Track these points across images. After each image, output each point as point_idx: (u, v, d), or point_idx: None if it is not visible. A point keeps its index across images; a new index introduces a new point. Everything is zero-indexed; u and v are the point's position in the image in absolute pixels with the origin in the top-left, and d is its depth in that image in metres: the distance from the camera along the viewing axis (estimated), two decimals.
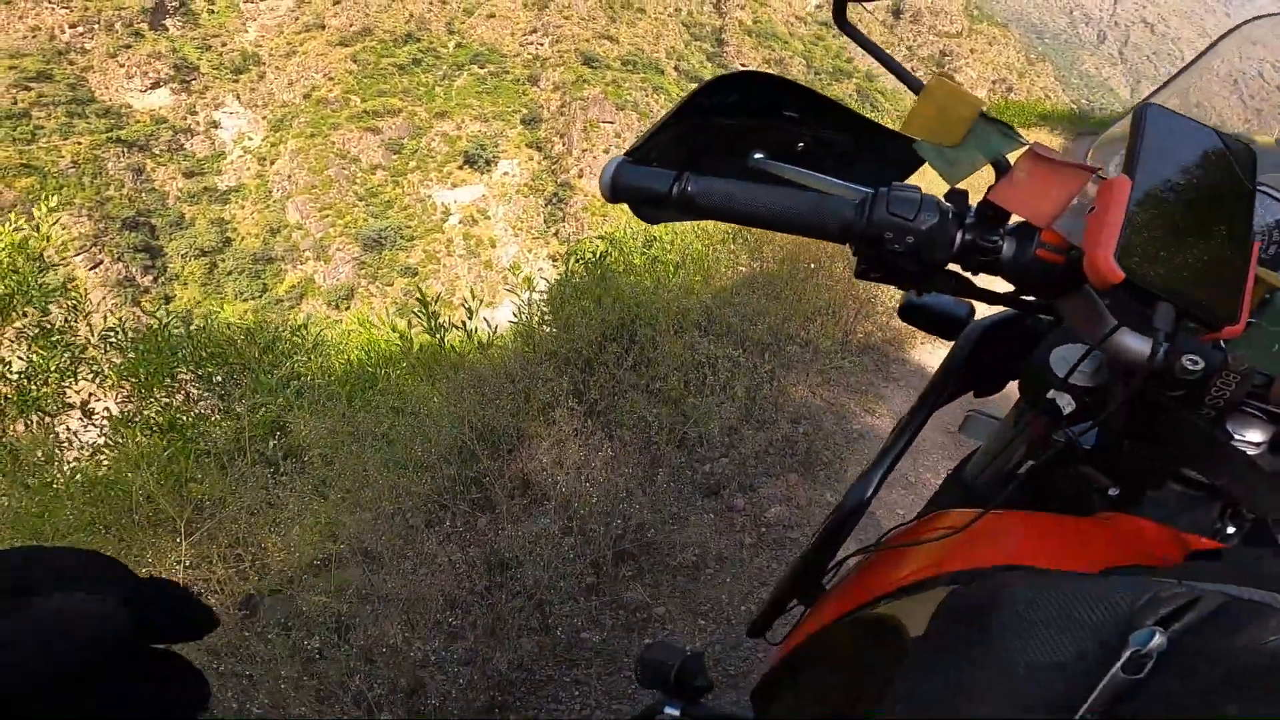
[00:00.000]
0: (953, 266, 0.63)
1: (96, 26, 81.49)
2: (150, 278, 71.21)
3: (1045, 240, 0.58)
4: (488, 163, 74.75)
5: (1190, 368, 0.48)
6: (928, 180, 0.68)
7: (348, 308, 70.23)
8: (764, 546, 2.87)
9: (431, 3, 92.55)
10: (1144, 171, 0.55)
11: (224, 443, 3.20)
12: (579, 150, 74.79)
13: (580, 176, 73.97)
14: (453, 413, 3.12)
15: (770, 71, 0.75)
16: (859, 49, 0.78)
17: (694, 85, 0.72)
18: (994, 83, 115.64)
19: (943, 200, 0.62)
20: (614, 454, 3.05)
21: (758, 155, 0.78)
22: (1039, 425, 0.64)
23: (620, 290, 4.10)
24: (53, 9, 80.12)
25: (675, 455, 3.22)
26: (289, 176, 74.44)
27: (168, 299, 69.00)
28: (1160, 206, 0.54)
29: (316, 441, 3.08)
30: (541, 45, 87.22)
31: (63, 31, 80.00)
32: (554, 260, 73.22)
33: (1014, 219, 0.60)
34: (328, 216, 72.15)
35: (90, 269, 74.22)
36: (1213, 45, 0.90)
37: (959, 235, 0.61)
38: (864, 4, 0.77)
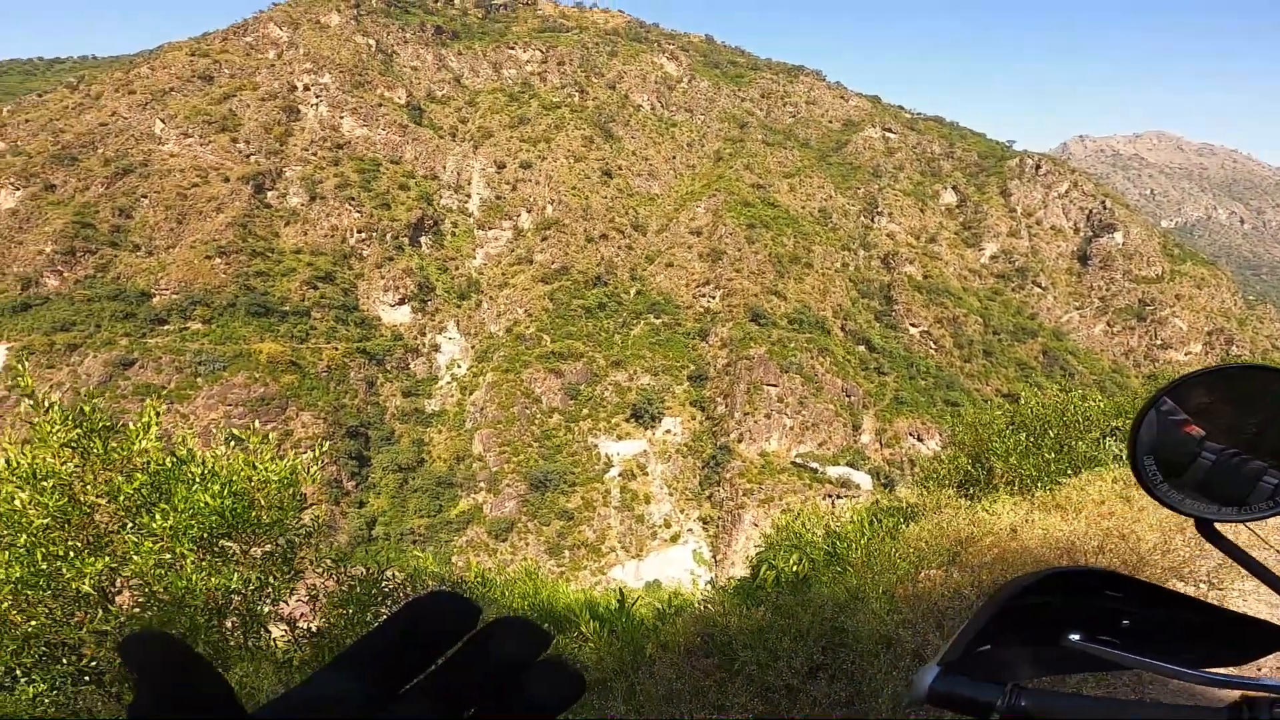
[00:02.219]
0: None
1: (374, 235, 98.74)
2: (354, 483, 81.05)
3: None
4: (653, 418, 79.94)
5: None
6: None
7: (506, 540, 75.97)
8: None
9: (620, 248, 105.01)
10: None
11: None
12: (741, 414, 77.93)
13: (740, 441, 76.53)
14: None
15: (1092, 566, 0.90)
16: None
17: (1002, 583, 0.81)
18: (1210, 334, 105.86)
19: None
20: None
21: (1074, 636, 0.76)
22: None
23: (819, 606, 4.08)
24: (350, 211, 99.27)
25: None
26: (482, 409, 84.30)
27: (361, 504, 78.56)
28: None
29: None
30: (713, 298, 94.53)
31: (351, 235, 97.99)
32: (704, 523, 74.99)
33: None
34: (505, 452, 80.00)
35: (311, 468, 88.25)
36: None
37: None
38: (1245, 523, 0.76)
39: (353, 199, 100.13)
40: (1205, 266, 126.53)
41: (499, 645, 0.48)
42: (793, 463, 74.64)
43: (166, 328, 79.80)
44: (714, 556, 68.07)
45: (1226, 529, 0.82)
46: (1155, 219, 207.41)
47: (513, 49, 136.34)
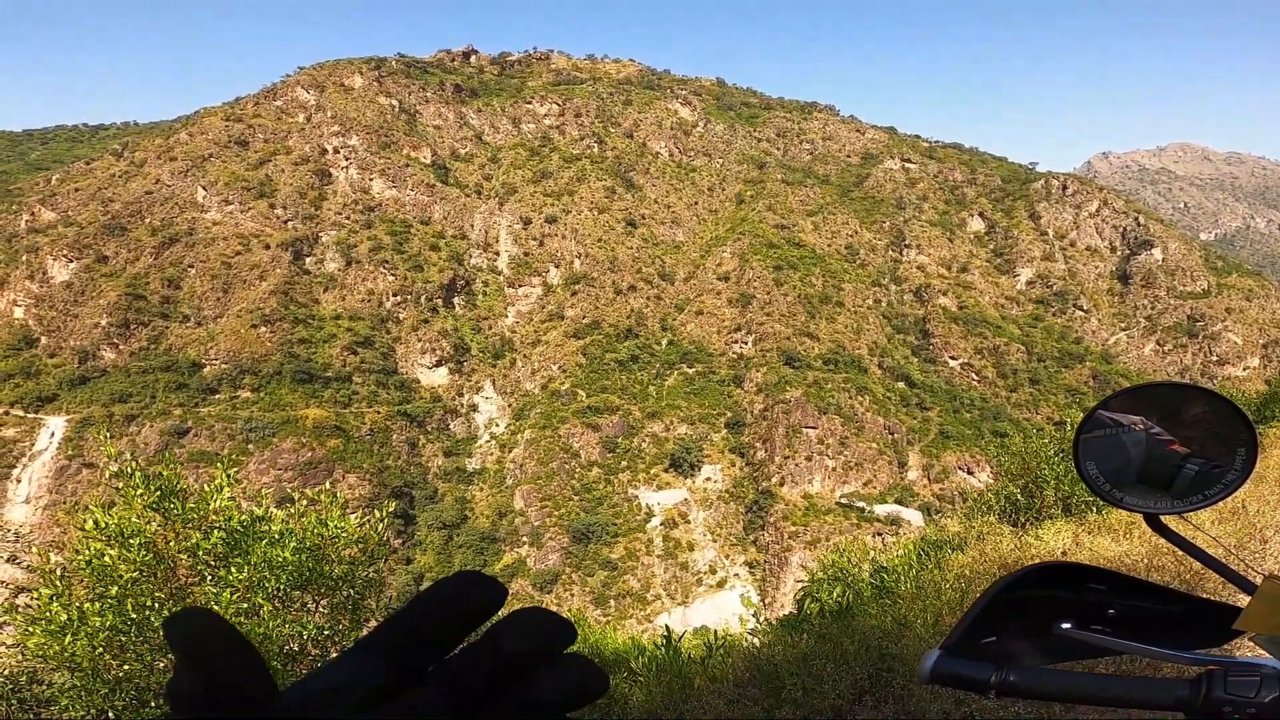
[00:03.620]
0: None
1: (409, 298, 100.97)
2: (400, 540, 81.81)
3: None
4: (692, 467, 79.35)
5: None
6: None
7: (551, 591, 75.43)
8: None
9: (649, 299, 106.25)
10: None
11: None
12: (780, 457, 76.89)
13: (782, 485, 75.32)
14: None
15: (1076, 561, 0.91)
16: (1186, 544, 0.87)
17: (1001, 574, 0.94)
18: (1266, 347, 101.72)
19: None
20: None
21: (1065, 625, 0.85)
22: None
23: (865, 635, 4.01)
24: (384, 275, 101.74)
25: None
26: (521, 465, 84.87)
27: (409, 561, 79.12)
28: None
29: None
30: (745, 344, 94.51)
31: (387, 299, 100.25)
32: (751, 567, 73.33)
33: None
34: (546, 507, 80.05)
35: (372, 529, 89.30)
36: None
37: None
38: (1180, 514, 0.87)
39: (386, 262, 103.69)
40: (1252, 277, 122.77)
41: (514, 640, 0.49)
42: (838, 503, 72.96)
43: (217, 396, 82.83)
44: (762, 600, 66.26)
45: (1173, 523, 0.92)
46: (1193, 232, 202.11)
47: (530, 104, 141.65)
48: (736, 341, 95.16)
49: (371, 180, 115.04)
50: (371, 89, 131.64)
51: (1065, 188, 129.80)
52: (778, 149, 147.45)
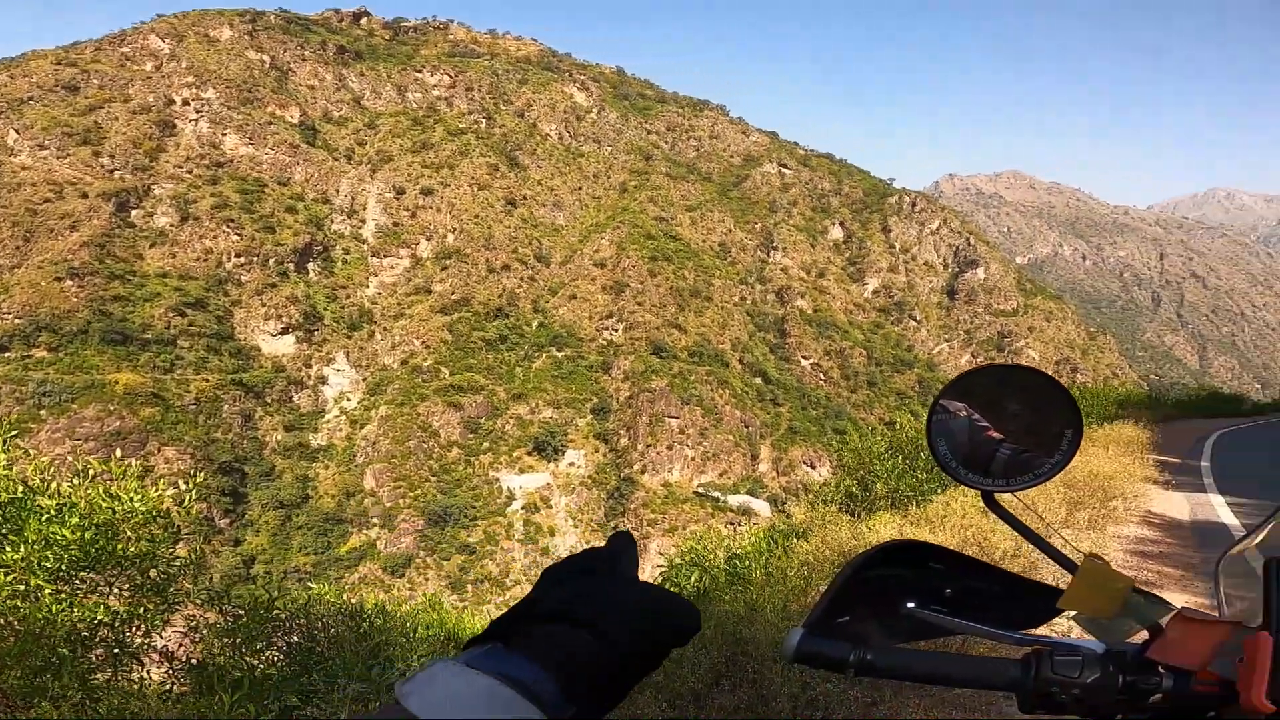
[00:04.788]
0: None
1: (255, 260, 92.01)
2: (227, 521, 74.67)
3: (1200, 677, 0.72)
4: (556, 451, 79.20)
5: None
6: None
7: (403, 575, 72.45)
8: None
9: (522, 279, 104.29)
10: None
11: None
12: (643, 445, 78.69)
13: (643, 472, 77.09)
14: None
15: (919, 539, 1.09)
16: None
17: (856, 554, 1.02)
18: (1059, 363, 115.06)
19: (1105, 655, 0.75)
20: None
21: (910, 604, 0.91)
22: None
23: (721, 620, 4.22)
24: (227, 234, 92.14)
25: None
26: (374, 443, 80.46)
27: (237, 542, 72.56)
28: None
29: None
30: (616, 331, 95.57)
31: (228, 260, 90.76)
32: None
33: None
34: (400, 488, 76.61)
35: (175, 504, 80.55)
36: None
37: (1120, 680, 0.73)
38: (1014, 492, 0.95)
39: (232, 220, 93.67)
40: (1053, 300, 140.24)
41: (673, 636, 0.55)
42: (695, 492, 75.96)
43: (7, 354, 71.25)
44: None
45: (1006, 502, 0.99)
46: (1011, 255, 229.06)
47: (419, 72, 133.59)
48: (607, 328, 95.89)
49: (225, 135, 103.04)
50: (241, 42, 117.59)
51: (914, 205, 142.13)
52: (666, 143, 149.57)
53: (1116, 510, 8.80)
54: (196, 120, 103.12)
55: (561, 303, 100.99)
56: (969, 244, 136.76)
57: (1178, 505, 9.77)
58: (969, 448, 0.98)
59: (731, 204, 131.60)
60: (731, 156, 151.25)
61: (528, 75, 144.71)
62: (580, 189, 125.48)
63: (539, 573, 0.61)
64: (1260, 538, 0.98)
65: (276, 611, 4.20)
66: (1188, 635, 0.74)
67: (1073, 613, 0.83)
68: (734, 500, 74.45)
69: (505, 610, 0.58)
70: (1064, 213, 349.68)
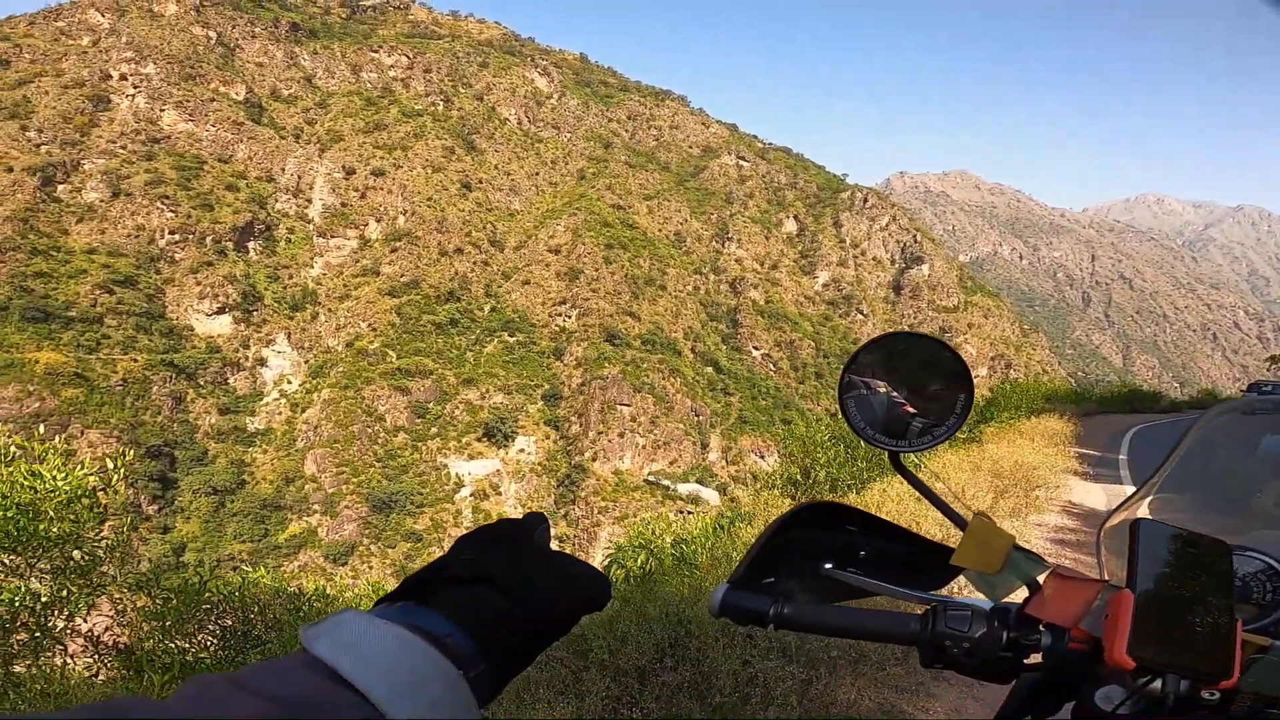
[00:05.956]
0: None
1: (191, 238, 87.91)
2: (155, 507, 71.44)
3: (1074, 635, 0.79)
4: (506, 437, 78.46)
5: (1207, 698, 0.71)
6: None
7: (345, 563, 70.77)
8: None
9: (475, 263, 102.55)
10: (1142, 579, 0.78)
11: None
12: (595, 433, 78.65)
13: (594, 460, 77.10)
14: None
15: (835, 501, 1.17)
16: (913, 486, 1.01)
17: (779, 513, 1.20)
18: (994, 359, 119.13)
19: (991, 611, 0.84)
20: None
21: (827, 565, 0.99)
22: None
23: (666, 600, 4.43)
24: (161, 211, 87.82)
25: None
26: (316, 427, 78.13)
27: (166, 529, 69.58)
28: (1158, 604, 0.75)
29: None
30: (569, 318, 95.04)
31: (161, 237, 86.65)
32: (560, 541, 74.40)
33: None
34: (343, 473, 74.73)
35: (98, 489, 76.55)
36: (1179, 442, 1.25)
37: (1004, 636, 0.81)
38: (917, 452, 1.02)
39: (167, 197, 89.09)
40: (991, 298, 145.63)
41: (572, 603, 0.59)
42: (645, 480, 76.48)
43: None
44: None
45: (910, 463, 1.28)
46: (955, 252, 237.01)
47: (376, 52, 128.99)
48: (561, 315, 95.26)
49: (163, 111, 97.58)
50: (187, 18, 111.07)
51: (866, 200, 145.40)
52: (626, 131, 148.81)
53: (1039, 499, 9.29)
54: (134, 96, 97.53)
55: (515, 288, 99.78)
56: (916, 241, 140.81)
57: (1095, 495, 10.36)
58: (877, 411, 1.04)
59: (689, 194, 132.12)
60: (691, 147, 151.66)
61: (489, 59, 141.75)
62: (538, 174, 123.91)
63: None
64: (1135, 503, 1.05)
65: (209, 595, 4.08)
66: (1061, 593, 0.81)
67: (965, 570, 0.91)
68: (684, 489, 75.30)
69: (415, 571, 0.58)
70: (1005, 213, 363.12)
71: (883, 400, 1.04)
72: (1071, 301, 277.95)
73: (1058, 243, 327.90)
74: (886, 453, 1.04)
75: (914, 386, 1.04)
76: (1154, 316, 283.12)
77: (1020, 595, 0.87)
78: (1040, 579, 0.86)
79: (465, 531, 0.62)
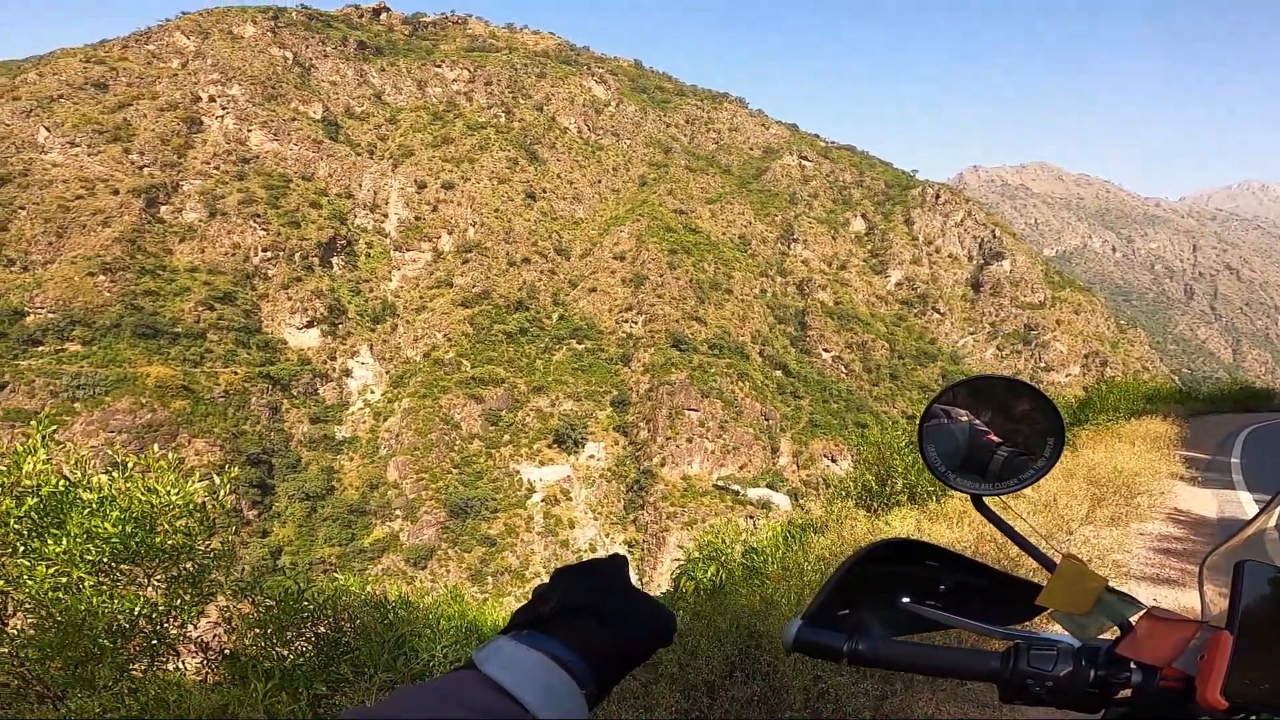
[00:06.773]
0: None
1: (281, 254, 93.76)
2: (255, 512, 76.14)
3: (1166, 674, 0.78)
4: (576, 443, 79.49)
5: None
6: None
7: (425, 567, 73.35)
8: None
9: (542, 272, 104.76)
10: (1243, 622, 0.75)
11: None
12: (663, 438, 78.65)
13: (663, 465, 77.09)
14: None
15: (915, 538, 1.07)
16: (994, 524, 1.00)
17: (855, 548, 1.15)
18: (1087, 357, 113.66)
19: (1078, 650, 0.82)
20: None
21: (905, 599, 0.97)
22: None
23: (736, 613, 4.37)
24: (254, 229, 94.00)
25: None
26: (397, 435, 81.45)
27: (265, 534, 74.02)
28: (1258, 647, 0.73)
29: None
30: (635, 323, 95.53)
31: (254, 254, 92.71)
32: (630, 546, 74.80)
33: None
34: (423, 480, 77.49)
35: (209, 497, 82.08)
36: None
37: (1092, 675, 0.79)
38: (1001, 496, 1.00)
39: (258, 216, 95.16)
40: (1082, 293, 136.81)
41: (645, 641, 0.72)
42: (715, 485, 75.88)
43: (41, 348, 73.20)
44: (640, 579, 67.99)
45: (995, 507, 1.03)
46: (1039, 247, 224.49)
47: (439, 67, 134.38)
48: (627, 321, 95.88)
49: (250, 132, 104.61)
50: (264, 39, 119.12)
51: (938, 197, 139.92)
52: (685, 135, 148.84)
53: (1140, 507, 8.68)
54: (223, 117, 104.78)
55: (581, 295, 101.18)
56: (994, 236, 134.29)
57: (1205, 502, 9.61)
58: (965, 452, 1.03)
59: (751, 196, 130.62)
60: (751, 149, 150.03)
61: (546, 69, 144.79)
62: (599, 182, 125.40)
63: (558, 565, 0.77)
64: (1243, 538, 1.03)
65: (305, 603, 4.29)
66: (1155, 633, 0.80)
67: (1051, 610, 0.89)
68: (754, 494, 74.28)
69: (527, 601, 0.71)
70: (1093, 204, 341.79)
71: (965, 429, 1.04)
72: (1173, 295, 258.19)
73: (1154, 234, 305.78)
74: (969, 496, 1.03)
75: (1001, 428, 1.03)
76: (1265, 308, 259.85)
77: (1110, 635, 0.85)
78: (1133, 619, 0.84)
79: (562, 564, 0.75)
